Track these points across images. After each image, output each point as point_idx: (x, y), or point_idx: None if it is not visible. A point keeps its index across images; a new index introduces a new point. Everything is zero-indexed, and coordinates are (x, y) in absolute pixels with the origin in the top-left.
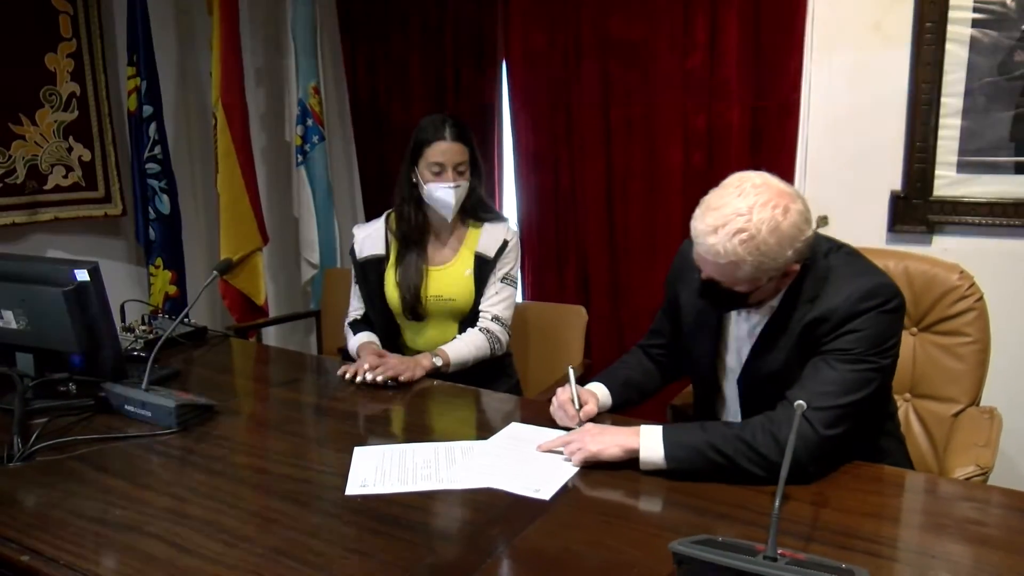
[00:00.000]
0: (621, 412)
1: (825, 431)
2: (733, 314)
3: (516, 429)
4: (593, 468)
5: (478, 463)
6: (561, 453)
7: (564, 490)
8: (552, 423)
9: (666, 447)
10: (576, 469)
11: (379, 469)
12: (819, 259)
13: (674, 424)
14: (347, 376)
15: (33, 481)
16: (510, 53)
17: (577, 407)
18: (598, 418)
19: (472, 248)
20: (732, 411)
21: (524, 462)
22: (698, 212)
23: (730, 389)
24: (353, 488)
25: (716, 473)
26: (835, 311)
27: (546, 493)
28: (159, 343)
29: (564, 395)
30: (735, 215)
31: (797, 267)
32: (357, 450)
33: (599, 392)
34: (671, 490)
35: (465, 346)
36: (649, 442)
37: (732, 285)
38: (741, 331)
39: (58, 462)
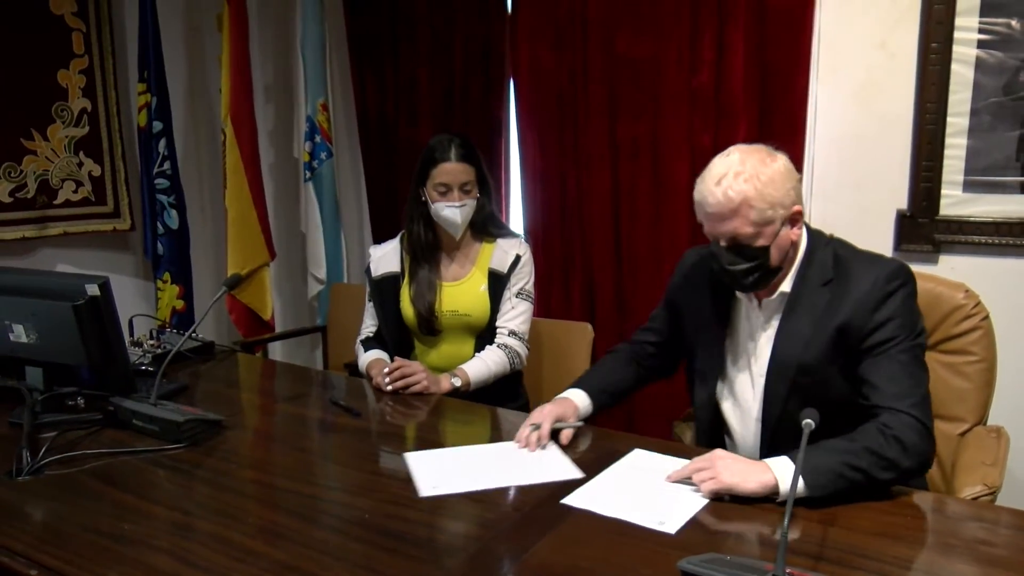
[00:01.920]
0: (595, 417)
1: (929, 423)
2: (745, 312)
3: (638, 457)
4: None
5: (602, 490)
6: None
7: (571, 507)
8: (674, 452)
9: (805, 477)
10: (705, 501)
11: (441, 471)
12: (820, 246)
13: (791, 452)
14: (383, 386)
15: (41, 495)
16: (518, 70)
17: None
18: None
19: (486, 264)
20: (747, 409)
21: (647, 492)
22: (698, 183)
23: (744, 384)
24: (426, 490)
25: (848, 489)
26: (867, 296)
27: (671, 527)
28: (167, 358)
29: (526, 432)
30: (729, 165)
31: (799, 208)
32: (408, 456)
33: (577, 400)
34: None
35: (484, 364)
36: (785, 475)
37: (751, 240)
38: (755, 323)
39: (67, 476)
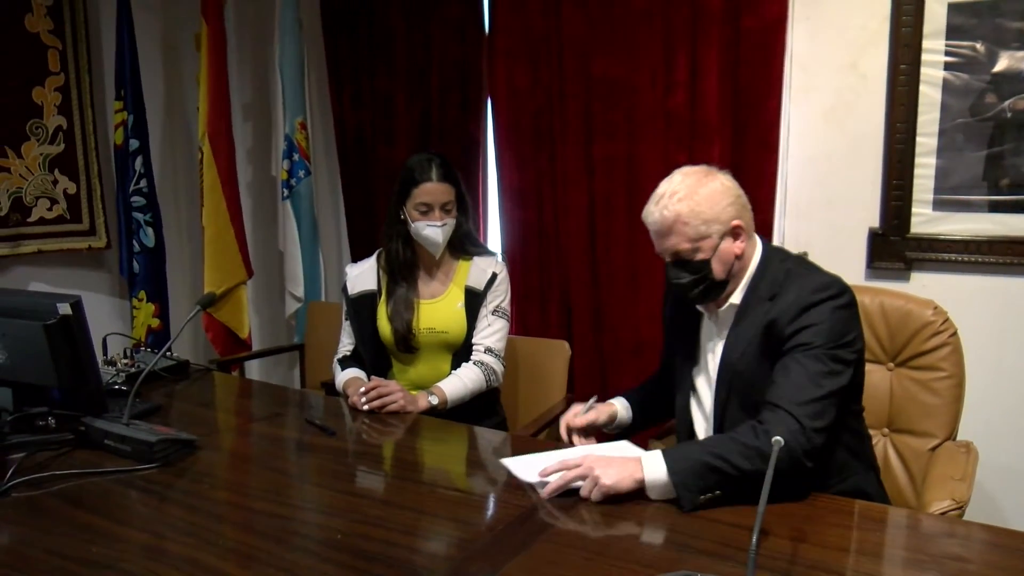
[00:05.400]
0: (644, 430)
1: (811, 423)
2: (706, 323)
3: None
4: (571, 502)
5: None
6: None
7: (545, 526)
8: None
9: (668, 463)
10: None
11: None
12: (776, 263)
13: (672, 448)
14: (359, 405)
15: (7, 518)
16: (495, 90)
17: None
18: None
19: (462, 282)
20: (706, 413)
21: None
22: (645, 208)
23: (705, 391)
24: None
25: (720, 481)
26: (791, 305)
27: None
28: (141, 377)
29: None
30: (668, 187)
31: (738, 223)
32: (506, 461)
33: (619, 405)
34: (651, 526)
35: (460, 381)
36: (652, 466)
37: (691, 254)
38: (713, 333)
39: (35, 498)
